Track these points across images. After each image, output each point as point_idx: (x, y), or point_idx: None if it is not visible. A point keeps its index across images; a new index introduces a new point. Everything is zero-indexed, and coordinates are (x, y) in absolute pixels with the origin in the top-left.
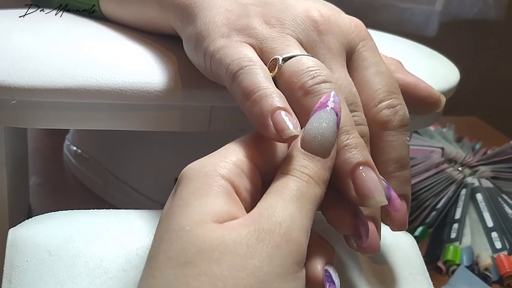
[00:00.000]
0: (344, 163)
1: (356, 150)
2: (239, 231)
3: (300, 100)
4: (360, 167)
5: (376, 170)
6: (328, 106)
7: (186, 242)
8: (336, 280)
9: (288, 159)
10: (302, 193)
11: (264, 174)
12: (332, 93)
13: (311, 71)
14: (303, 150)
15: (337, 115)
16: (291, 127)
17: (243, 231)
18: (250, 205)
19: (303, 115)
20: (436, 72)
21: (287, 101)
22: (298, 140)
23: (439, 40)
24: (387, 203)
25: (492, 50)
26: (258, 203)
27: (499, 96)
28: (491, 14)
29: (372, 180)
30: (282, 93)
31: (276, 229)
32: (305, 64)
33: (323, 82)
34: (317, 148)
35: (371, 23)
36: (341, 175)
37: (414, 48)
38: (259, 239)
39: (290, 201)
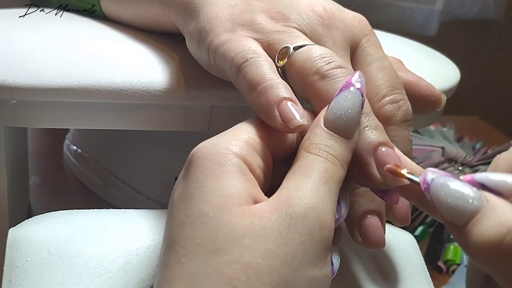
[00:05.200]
0: (365, 143)
1: (377, 131)
2: (269, 216)
3: (316, 84)
4: (382, 147)
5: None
6: (354, 86)
7: (213, 228)
8: (335, 261)
9: (312, 137)
10: (330, 174)
11: (275, 154)
12: (358, 73)
13: (324, 57)
14: (326, 129)
15: (362, 96)
16: (297, 116)
17: (273, 216)
18: (263, 183)
19: (319, 99)
20: (436, 71)
21: (299, 88)
22: (321, 119)
23: (439, 40)
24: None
25: (492, 49)
26: (284, 184)
27: (499, 96)
28: (491, 13)
29: (395, 158)
30: (293, 80)
31: (310, 213)
32: (318, 52)
33: (339, 68)
34: (342, 128)
35: (371, 22)
36: (361, 155)
37: (414, 48)
38: (291, 224)
39: (320, 183)
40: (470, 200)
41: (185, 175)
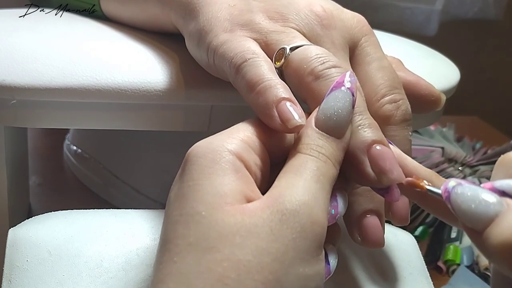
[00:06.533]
0: (358, 141)
1: (370, 129)
2: (260, 214)
3: (311, 84)
4: (376, 145)
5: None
6: (344, 86)
7: (205, 227)
8: (332, 261)
9: (303, 138)
10: (322, 173)
11: (272, 154)
12: (349, 73)
13: (319, 57)
14: (317, 130)
15: (353, 95)
16: (296, 117)
17: (264, 213)
18: (260, 181)
19: (314, 99)
20: (436, 71)
21: (296, 88)
22: (312, 119)
23: (439, 40)
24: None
25: (492, 49)
26: (276, 183)
27: (499, 96)
28: (491, 13)
29: (389, 156)
30: (290, 81)
31: (301, 210)
32: (314, 52)
33: (333, 67)
34: (333, 128)
35: (371, 23)
36: (355, 154)
37: (414, 48)
38: (282, 220)
39: (312, 181)
40: (492, 206)
41: (181, 174)
